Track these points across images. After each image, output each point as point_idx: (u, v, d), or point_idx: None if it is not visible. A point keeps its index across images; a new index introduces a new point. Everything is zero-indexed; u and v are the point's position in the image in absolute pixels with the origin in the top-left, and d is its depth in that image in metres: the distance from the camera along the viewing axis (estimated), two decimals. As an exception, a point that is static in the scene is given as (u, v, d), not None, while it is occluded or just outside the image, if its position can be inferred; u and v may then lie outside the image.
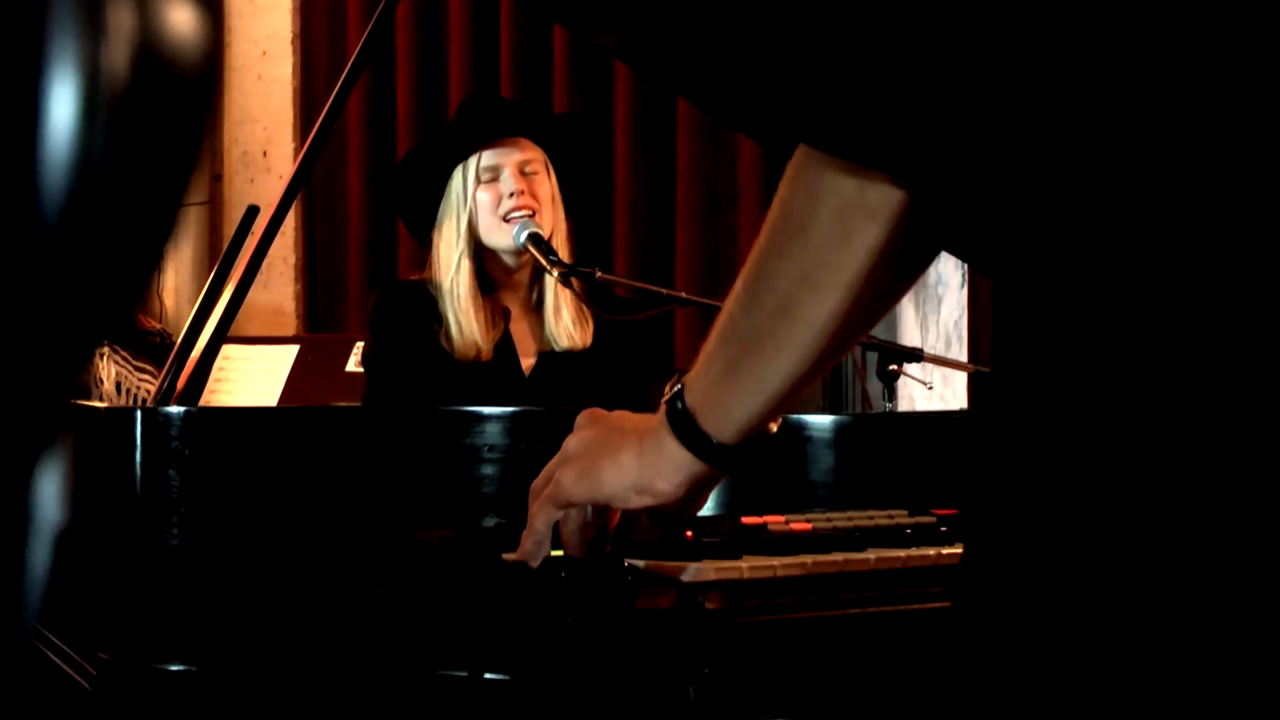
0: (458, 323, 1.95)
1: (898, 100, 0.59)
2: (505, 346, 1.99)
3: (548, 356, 2.01)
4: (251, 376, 2.28)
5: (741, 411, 0.72)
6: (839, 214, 0.64)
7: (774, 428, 0.76)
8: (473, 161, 1.98)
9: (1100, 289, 0.56)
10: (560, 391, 1.97)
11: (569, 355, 2.00)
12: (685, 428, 0.73)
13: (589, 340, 2.01)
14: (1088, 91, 0.56)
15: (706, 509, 1.50)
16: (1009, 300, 0.61)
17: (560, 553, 1.37)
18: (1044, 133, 0.58)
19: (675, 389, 0.74)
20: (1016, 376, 0.60)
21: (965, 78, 0.58)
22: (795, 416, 1.44)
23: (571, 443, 0.82)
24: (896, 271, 0.67)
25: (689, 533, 1.37)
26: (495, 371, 1.97)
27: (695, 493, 0.79)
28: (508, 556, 1.30)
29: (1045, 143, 0.58)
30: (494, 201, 1.96)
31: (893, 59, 0.58)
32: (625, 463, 0.77)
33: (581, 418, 0.83)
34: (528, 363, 2.01)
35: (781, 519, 1.36)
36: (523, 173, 1.98)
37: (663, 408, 0.75)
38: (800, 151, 0.65)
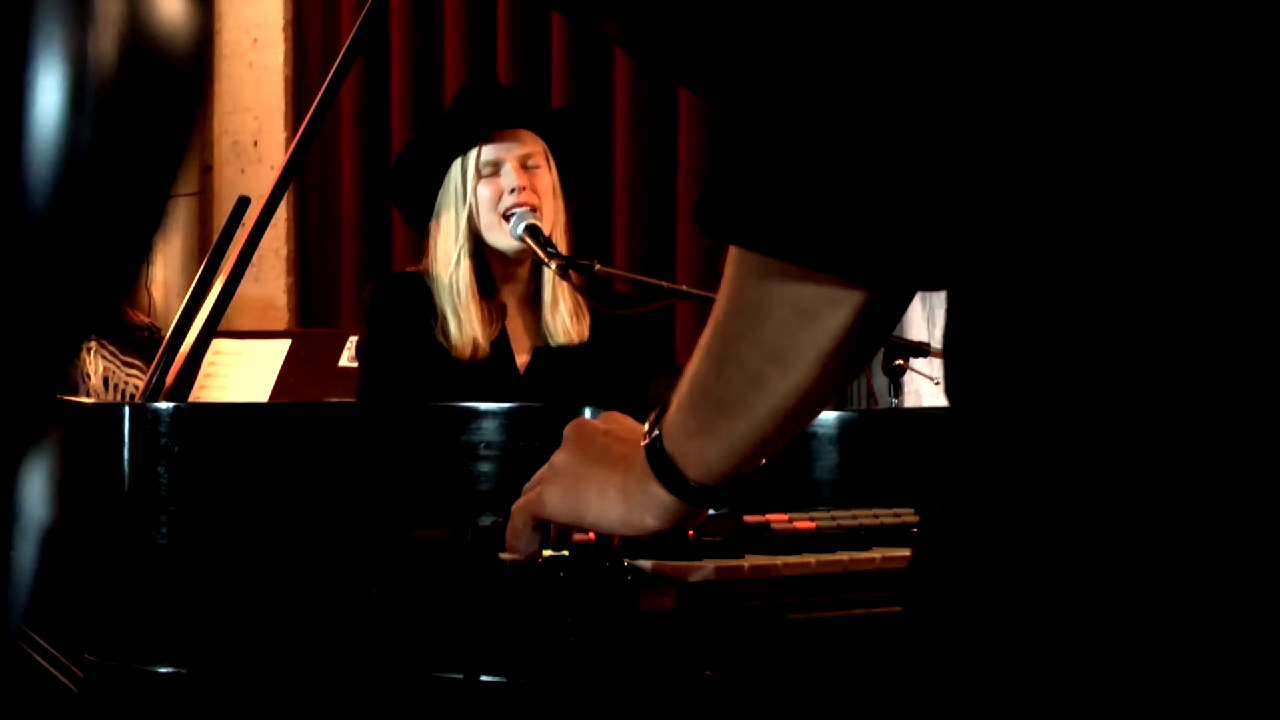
0: (456, 319, 1.92)
1: (853, 208, 0.57)
2: (501, 342, 1.97)
3: (543, 352, 1.98)
4: (242, 372, 2.26)
5: (721, 464, 0.71)
6: (796, 306, 0.62)
7: (762, 461, 0.75)
8: (472, 154, 1.95)
9: (1053, 307, 0.56)
10: (555, 388, 1.94)
11: (565, 350, 1.98)
12: (667, 473, 0.73)
13: (586, 334, 1.99)
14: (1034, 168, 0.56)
15: (708, 507, 1.48)
16: (966, 311, 0.61)
17: (561, 551, 1.35)
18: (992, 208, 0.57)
19: (654, 433, 0.73)
20: (974, 386, 0.60)
21: (918, 187, 0.56)
22: (799, 413, 1.42)
23: (559, 460, 0.82)
24: (868, 338, 0.65)
25: (690, 531, 1.35)
26: (490, 367, 1.95)
27: (684, 522, 0.79)
28: (504, 556, 1.28)
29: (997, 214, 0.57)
30: (494, 197, 1.94)
31: (848, 166, 0.57)
32: (611, 497, 0.78)
33: (569, 430, 0.83)
34: (523, 359, 1.99)
35: (785, 517, 1.34)
36: (524, 167, 1.95)
37: (643, 450, 0.74)
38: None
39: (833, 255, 0.58)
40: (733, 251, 0.63)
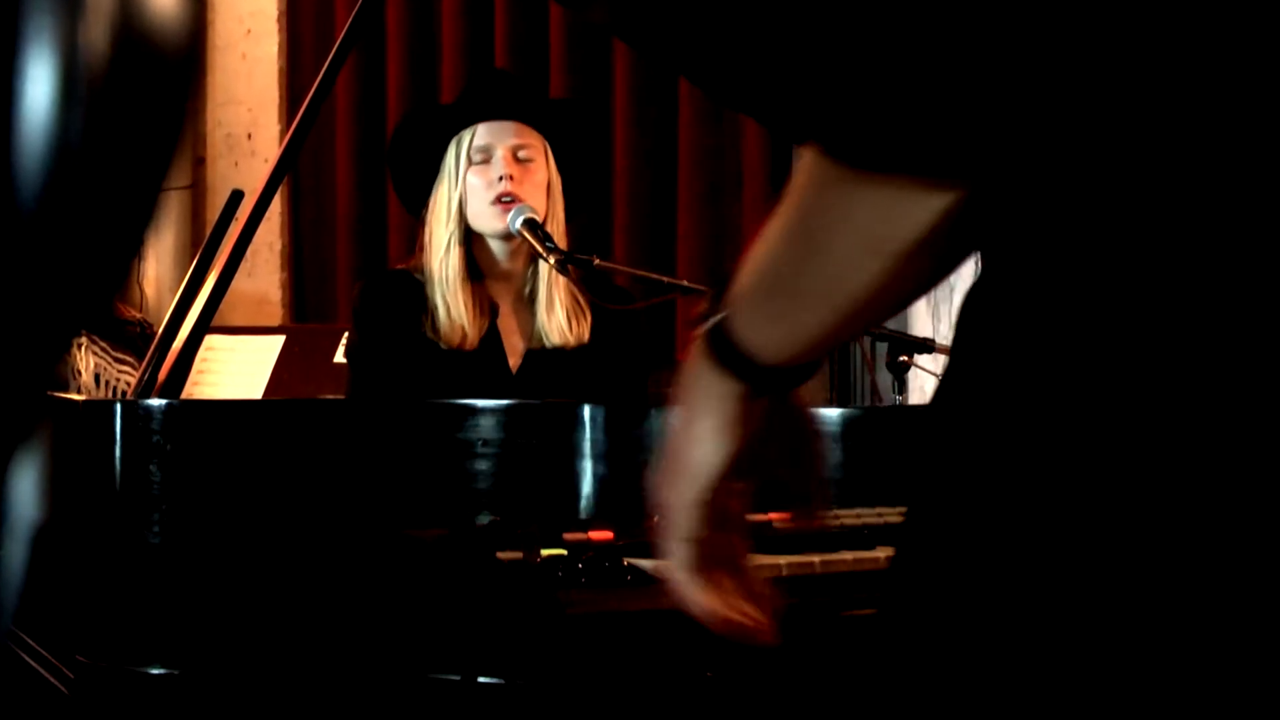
0: (445, 305, 1.92)
1: (923, 103, 0.58)
2: (492, 341, 1.96)
3: (536, 354, 1.97)
4: (236, 368, 2.25)
5: (792, 349, 0.71)
6: (879, 205, 0.64)
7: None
8: (466, 138, 1.95)
9: (1079, 290, 0.57)
10: (549, 389, 1.93)
11: (560, 352, 1.96)
12: (733, 359, 0.71)
13: (586, 337, 1.97)
14: (1092, 95, 0.56)
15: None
16: (986, 293, 0.62)
17: (560, 551, 1.33)
18: (1058, 128, 0.57)
19: (717, 318, 0.71)
20: (983, 372, 0.61)
21: (991, 77, 0.57)
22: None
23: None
24: (947, 241, 0.66)
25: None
26: (481, 367, 1.93)
27: (770, 426, 0.76)
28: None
29: (1059, 138, 0.57)
30: (484, 184, 1.93)
31: (918, 58, 0.57)
32: (699, 432, 0.74)
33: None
34: (515, 360, 1.97)
35: (788, 516, 1.33)
36: (516, 157, 1.94)
37: (703, 344, 0.72)
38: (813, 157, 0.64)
39: (915, 160, 0.60)
40: (813, 159, 0.65)
